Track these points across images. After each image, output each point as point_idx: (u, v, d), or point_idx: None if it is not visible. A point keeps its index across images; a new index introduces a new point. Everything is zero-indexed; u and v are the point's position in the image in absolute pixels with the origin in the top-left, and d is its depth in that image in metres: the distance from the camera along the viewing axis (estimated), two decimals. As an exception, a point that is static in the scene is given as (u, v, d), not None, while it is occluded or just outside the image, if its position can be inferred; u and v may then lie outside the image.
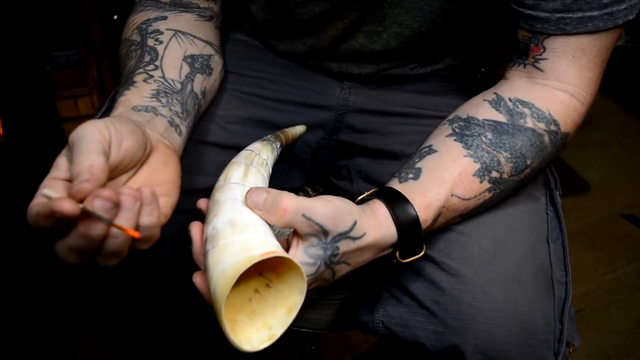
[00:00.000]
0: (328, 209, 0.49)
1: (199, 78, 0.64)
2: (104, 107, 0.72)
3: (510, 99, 0.60)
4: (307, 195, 0.82)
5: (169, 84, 0.60)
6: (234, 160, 0.57)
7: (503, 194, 0.60)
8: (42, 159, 1.27)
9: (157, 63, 0.62)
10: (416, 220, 0.54)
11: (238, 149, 0.71)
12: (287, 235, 0.54)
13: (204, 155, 0.68)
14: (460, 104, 0.65)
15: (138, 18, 0.68)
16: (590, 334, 1.32)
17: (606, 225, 1.62)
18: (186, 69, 0.63)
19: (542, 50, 0.59)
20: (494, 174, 0.58)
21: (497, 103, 0.61)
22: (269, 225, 0.51)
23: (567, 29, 0.56)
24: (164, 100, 0.59)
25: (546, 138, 0.59)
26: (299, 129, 0.72)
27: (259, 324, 0.47)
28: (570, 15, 0.55)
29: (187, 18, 0.69)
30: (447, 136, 0.60)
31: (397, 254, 0.56)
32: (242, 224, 0.48)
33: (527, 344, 0.56)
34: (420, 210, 0.55)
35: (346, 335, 1.33)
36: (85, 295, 0.65)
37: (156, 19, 0.67)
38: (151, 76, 0.60)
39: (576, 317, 0.61)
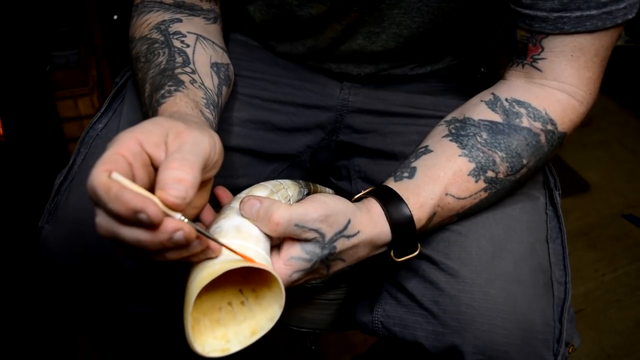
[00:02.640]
0: (320, 211, 0.50)
1: (224, 91, 0.64)
2: (104, 105, 0.72)
3: (506, 99, 0.60)
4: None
5: (210, 93, 0.60)
6: (262, 183, 0.57)
7: (500, 194, 0.60)
8: (42, 159, 1.27)
9: (192, 67, 0.61)
10: (410, 219, 0.55)
11: (238, 150, 0.72)
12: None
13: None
14: (460, 103, 0.65)
15: (151, 18, 0.67)
16: (590, 334, 1.32)
17: (606, 225, 1.62)
18: (216, 79, 0.63)
19: (540, 50, 0.59)
20: (490, 174, 0.58)
21: (493, 103, 0.61)
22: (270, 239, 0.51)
23: (565, 29, 0.56)
24: (213, 112, 0.58)
25: (542, 137, 0.59)
26: (328, 190, 0.72)
27: (219, 333, 0.48)
28: (568, 15, 0.55)
29: (198, 22, 0.68)
30: (443, 137, 0.61)
31: (392, 252, 0.56)
32: (247, 233, 0.49)
33: (526, 344, 0.56)
34: (414, 209, 0.55)
35: (346, 335, 1.33)
36: (84, 295, 0.65)
37: (172, 21, 0.66)
38: (194, 80, 0.59)
39: (576, 317, 0.61)
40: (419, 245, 0.57)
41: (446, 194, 0.57)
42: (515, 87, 0.61)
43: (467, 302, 0.56)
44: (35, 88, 1.37)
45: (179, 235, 0.40)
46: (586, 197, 1.71)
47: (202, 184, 0.48)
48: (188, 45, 0.63)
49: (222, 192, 0.57)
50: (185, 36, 0.64)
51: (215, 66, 0.64)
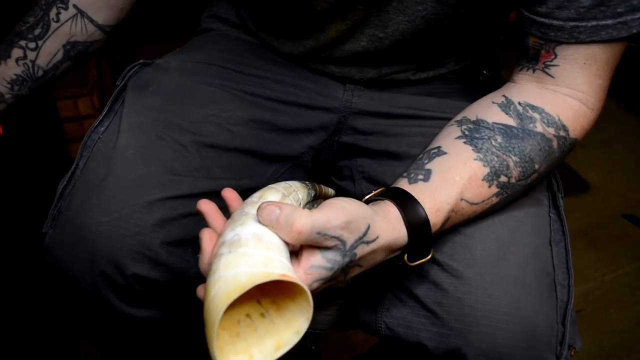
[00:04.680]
0: (342, 218, 0.48)
1: (64, 66, 0.72)
2: (106, 108, 0.72)
3: (520, 103, 0.60)
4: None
5: (33, 71, 0.69)
6: (271, 186, 0.55)
7: (509, 199, 0.60)
8: (42, 159, 1.27)
9: (40, 42, 0.69)
10: (427, 223, 0.53)
11: (241, 151, 0.71)
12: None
13: (206, 159, 0.67)
14: (463, 105, 0.65)
15: None
16: (590, 334, 1.33)
17: (606, 225, 1.62)
18: (59, 56, 0.71)
19: (553, 57, 0.58)
20: (503, 179, 0.57)
21: (506, 106, 0.60)
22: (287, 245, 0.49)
23: (580, 38, 0.56)
24: (16, 88, 0.69)
25: (555, 143, 0.59)
26: (331, 191, 0.70)
27: (240, 347, 0.45)
28: (584, 24, 0.55)
29: None
30: (456, 138, 0.59)
31: (405, 257, 0.54)
32: (268, 242, 0.47)
33: (529, 347, 0.56)
34: (430, 213, 0.54)
35: (346, 335, 1.33)
36: (88, 300, 0.65)
37: None
38: (25, 57, 0.69)
39: (576, 317, 0.61)
40: (431, 249, 0.56)
41: (461, 199, 0.56)
42: (527, 91, 0.61)
43: (471, 304, 0.56)
44: (35, 88, 1.36)
45: None
46: (586, 197, 1.71)
47: None
48: (58, 21, 0.70)
49: (230, 194, 0.55)
50: (66, 9, 0.70)
51: (70, 45, 0.71)
